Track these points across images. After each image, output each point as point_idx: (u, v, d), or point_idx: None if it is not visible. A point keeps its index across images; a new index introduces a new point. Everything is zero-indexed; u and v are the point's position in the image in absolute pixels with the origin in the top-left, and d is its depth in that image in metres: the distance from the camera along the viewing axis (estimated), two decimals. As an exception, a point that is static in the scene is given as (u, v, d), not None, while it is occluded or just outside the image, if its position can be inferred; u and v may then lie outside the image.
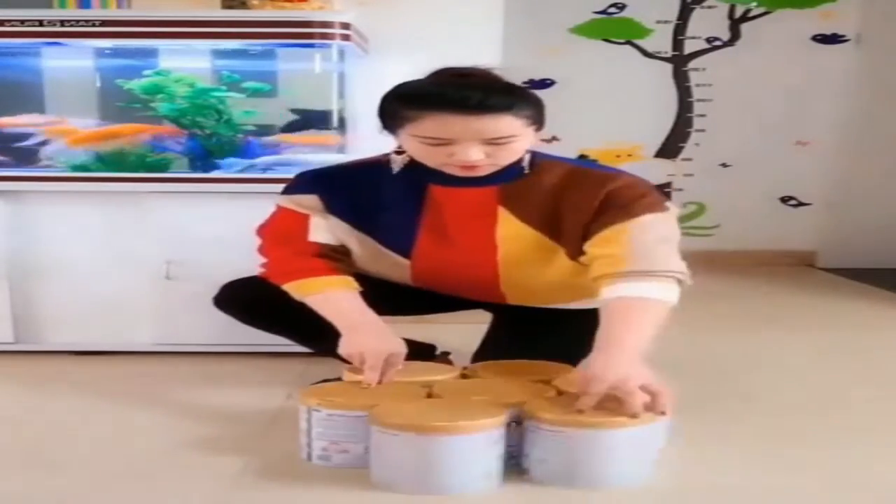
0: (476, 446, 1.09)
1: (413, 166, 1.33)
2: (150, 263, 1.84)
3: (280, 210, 1.41)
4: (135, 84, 1.89)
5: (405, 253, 1.38)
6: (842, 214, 3.48)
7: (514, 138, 1.24)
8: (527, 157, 1.32)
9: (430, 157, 1.26)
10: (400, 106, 1.25)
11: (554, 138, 3.46)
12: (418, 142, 1.24)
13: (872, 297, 2.77)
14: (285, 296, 1.35)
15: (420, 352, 1.52)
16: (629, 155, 3.55)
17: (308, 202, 1.38)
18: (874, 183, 3.44)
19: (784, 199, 3.59)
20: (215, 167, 1.89)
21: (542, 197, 1.32)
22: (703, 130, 3.52)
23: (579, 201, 1.29)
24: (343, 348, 1.29)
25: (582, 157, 3.53)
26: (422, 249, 1.37)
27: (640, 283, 1.20)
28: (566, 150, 3.44)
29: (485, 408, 1.15)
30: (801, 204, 3.59)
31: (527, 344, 1.46)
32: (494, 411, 1.13)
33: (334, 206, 1.37)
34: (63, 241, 1.85)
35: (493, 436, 1.11)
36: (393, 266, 1.41)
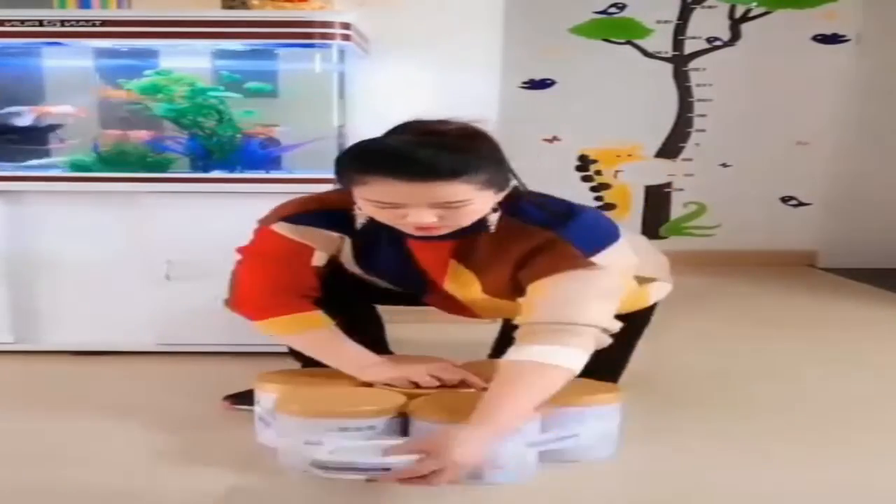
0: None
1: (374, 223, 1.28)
2: (150, 263, 1.84)
3: (274, 236, 1.34)
4: (134, 84, 1.89)
5: (420, 295, 1.44)
6: (842, 214, 3.47)
7: (467, 202, 1.16)
8: (494, 217, 1.25)
9: (384, 218, 1.21)
10: (349, 166, 1.20)
11: (555, 138, 3.47)
12: (369, 203, 1.19)
13: (873, 297, 2.77)
14: None
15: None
16: (629, 155, 3.55)
17: (327, 238, 1.34)
18: (874, 183, 3.44)
19: (784, 199, 3.59)
20: (215, 167, 1.89)
21: (484, 252, 1.29)
22: (703, 130, 3.52)
23: (505, 254, 1.27)
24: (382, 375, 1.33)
25: (582, 156, 3.54)
26: (432, 293, 1.41)
27: (542, 346, 1.15)
28: (566, 150, 3.47)
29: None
30: (801, 204, 3.59)
31: None
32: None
33: (356, 249, 1.36)
34: (63, 241, 1.85)
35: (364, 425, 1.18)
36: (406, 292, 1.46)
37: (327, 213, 1.34)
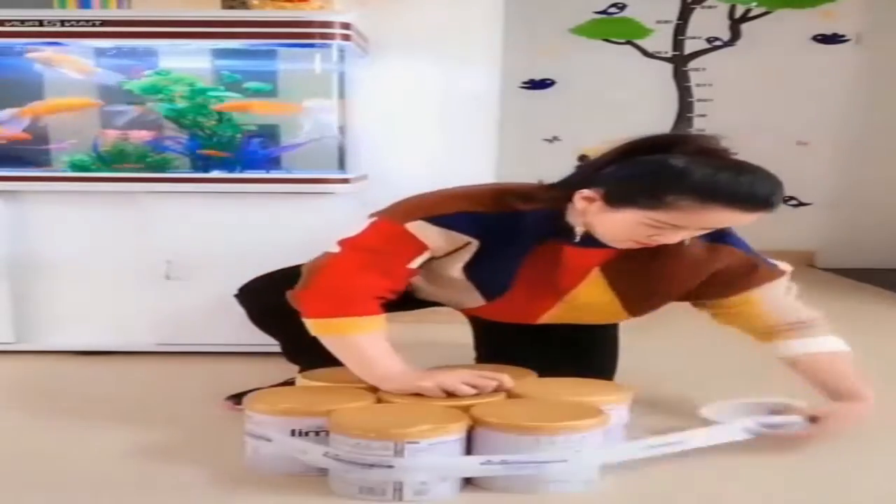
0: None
1: (553, 223, 1.25)
2: (150, 263, 1.84)
3: (402, 232, 1.24)
4: (134, 84, 1.89)
5: (491, 298, 1.34)
6: (842, 214, 3.48)
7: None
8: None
9: (632, 235, 1.19)
10: (673, 192, 1.12)
11: (555, 138, 3.47)
12: (644, 222, 1.15)
13: (872, 297, 2.77)
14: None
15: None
16: (629, 155, 3.55)
17: (455, 240, 1.25)
18: (874, 183, 3.44)
19: (784, 199, 3.58)
20: (215, 167, 1.89)
21: (639, 267, 1.28)
22: (703, 130, 3.52)
23: (681, 278, 1.31)
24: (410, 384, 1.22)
25: (582, 157, 3.53)
26: (507, 298, 1.33)
27: (818, 337, 1.37)
28: (566, 150, 3.47)
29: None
30: (801, 204, 3.59)
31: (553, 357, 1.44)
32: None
33: (479, 255, 1.27)
34: (63, 241, 1.85)
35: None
36: (461, 298, 1.37)
37: (475, 216, 1.25)
